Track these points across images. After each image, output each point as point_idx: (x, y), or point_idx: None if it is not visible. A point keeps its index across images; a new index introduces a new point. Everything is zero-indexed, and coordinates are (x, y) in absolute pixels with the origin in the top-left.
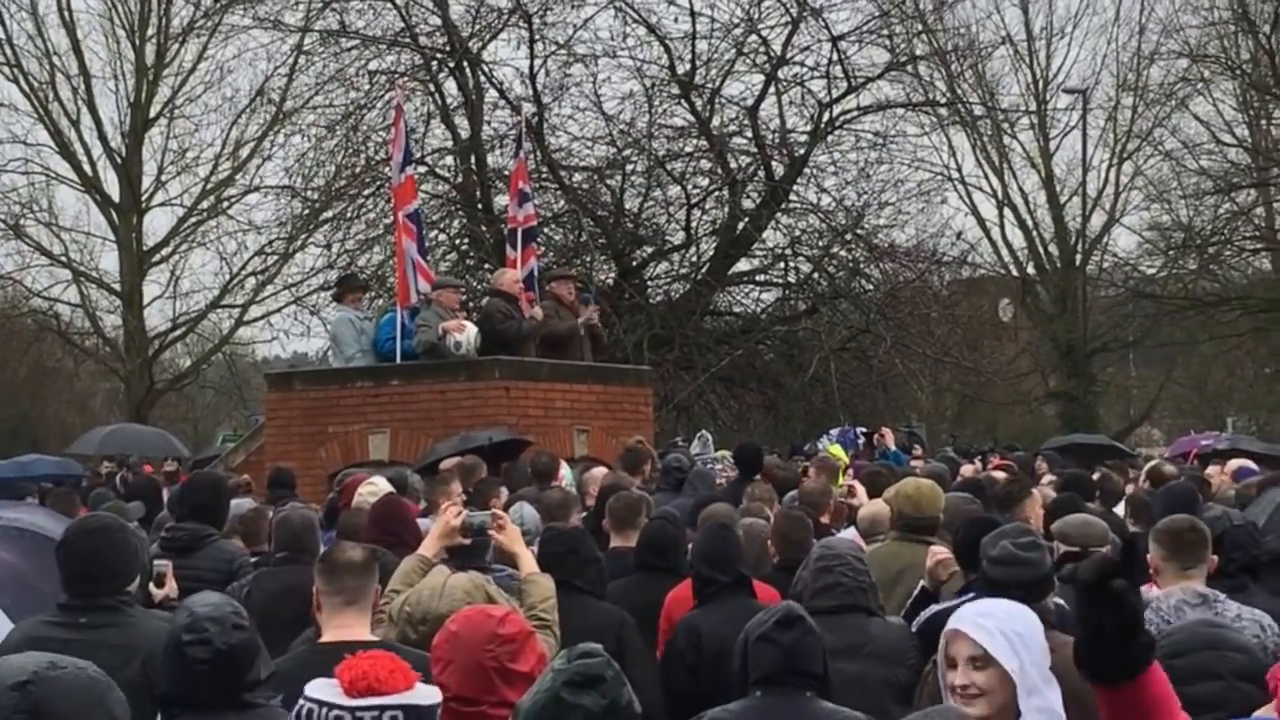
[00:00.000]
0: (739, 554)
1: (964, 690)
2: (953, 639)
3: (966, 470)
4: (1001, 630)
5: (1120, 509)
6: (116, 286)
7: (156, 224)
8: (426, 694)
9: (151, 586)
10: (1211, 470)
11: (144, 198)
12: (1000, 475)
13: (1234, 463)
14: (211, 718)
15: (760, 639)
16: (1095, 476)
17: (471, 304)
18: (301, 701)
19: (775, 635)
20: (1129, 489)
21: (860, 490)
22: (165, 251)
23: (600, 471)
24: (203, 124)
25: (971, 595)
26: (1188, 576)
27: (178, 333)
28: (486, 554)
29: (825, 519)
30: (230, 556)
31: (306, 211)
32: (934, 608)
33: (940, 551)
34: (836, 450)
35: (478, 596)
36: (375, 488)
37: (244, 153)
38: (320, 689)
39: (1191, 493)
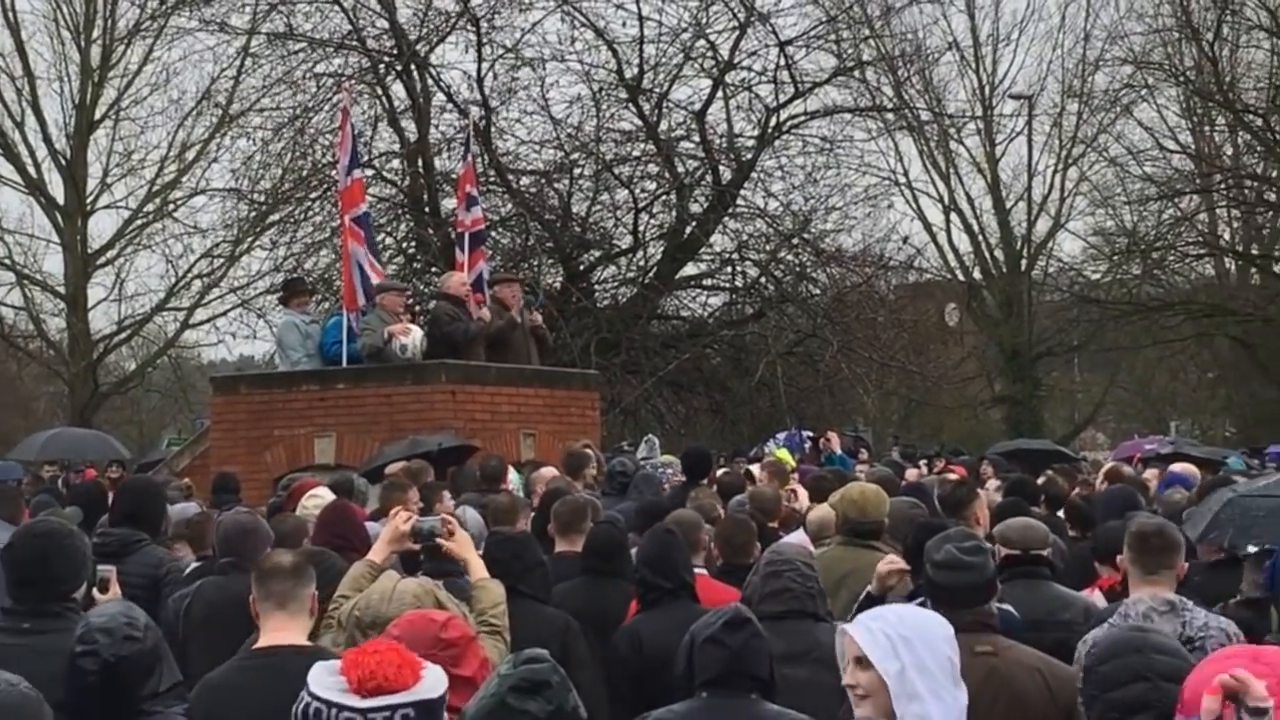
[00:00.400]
0: (683, 560)
1: (852, 690)
2: (844, 639)
3: (911, 474)
4: (885, 633)
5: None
6: (61, 289)
7: (101, 226)
8: (433, 683)
9: (95, 592)
10: (1149, 474)
11: (89, 200)
12: (951, 478)
13: (1178, 466)
14: None
15: (707, 641)
16: (1040, 481)
17: (419, 308)
18: (306, 699)
19: (722, 637)
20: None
21: (803, 493)
22: (110, 254)
23: (549, 471)
24: (148, 126)
25: (920, 600)
26: (1153, 582)
27: (123, 336)
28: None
29: (774, 524)
30: (158, 562)
31: (253, 214)
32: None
33: (897, 561)
34: (783, 454)
35: (427, 601)
36: (319, 499)
37: (190, 155)
38: (326, 687)
39: (1131, 496)
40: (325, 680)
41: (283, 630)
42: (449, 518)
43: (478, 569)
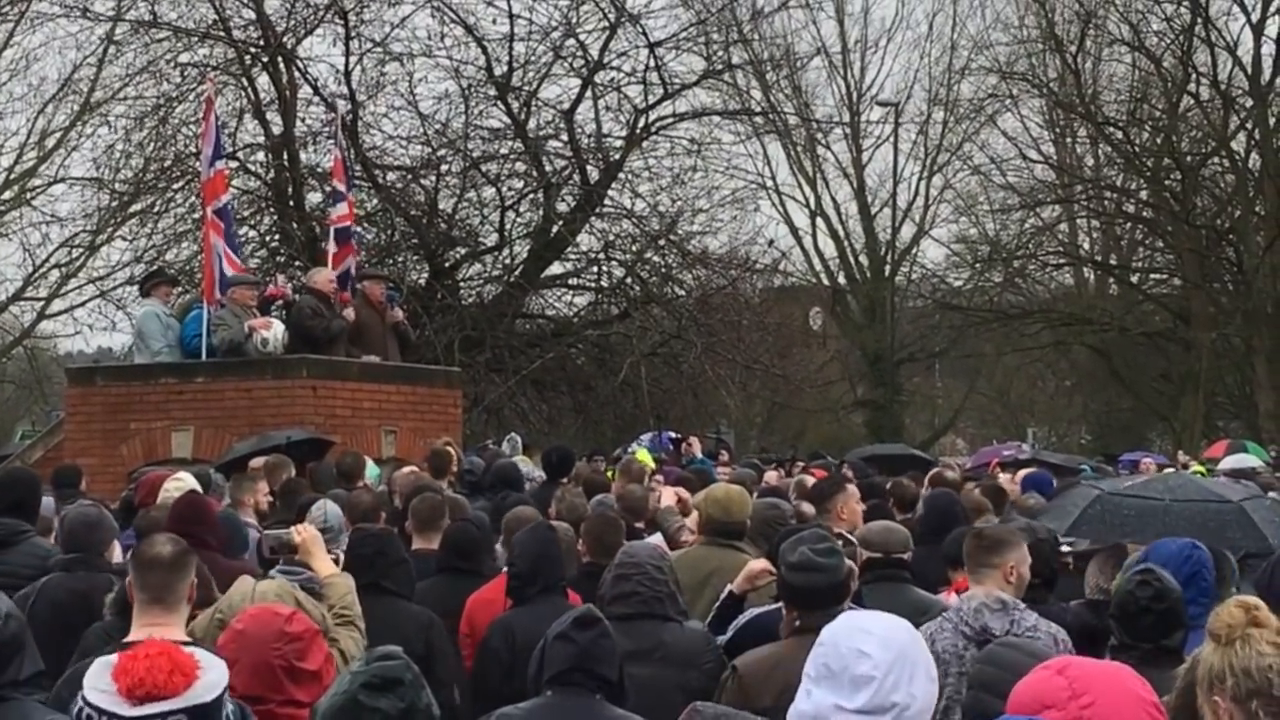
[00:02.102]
0: (559, 556)
1: None
2: None
3: (771, 477)
4: None
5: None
6: None
7: None
8: (208, 687)
9: None
10: (1005, 478)
11: None
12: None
13: (1022, 472)
14: None
15: (557, 638)
16: (888, 485)
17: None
18: (80, 704)
19: (572, 634)
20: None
21: (667, 493)
22: None
23: (408, 470)
24: (7, 112)
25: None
26: (981, 580)
27: None
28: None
29: (641, 524)
30: (45, 554)
31: (114, 204)
32: (752, 612)
33: (764, 563)
34: (644, 455)
35: (288, 600)
36: (181, 483)
37: (50, 143)
38: (99, 694)
39: (949, 500)
40: (100, 682)
41: (159, 625)
42: (299, 527)
43: (325, 567)
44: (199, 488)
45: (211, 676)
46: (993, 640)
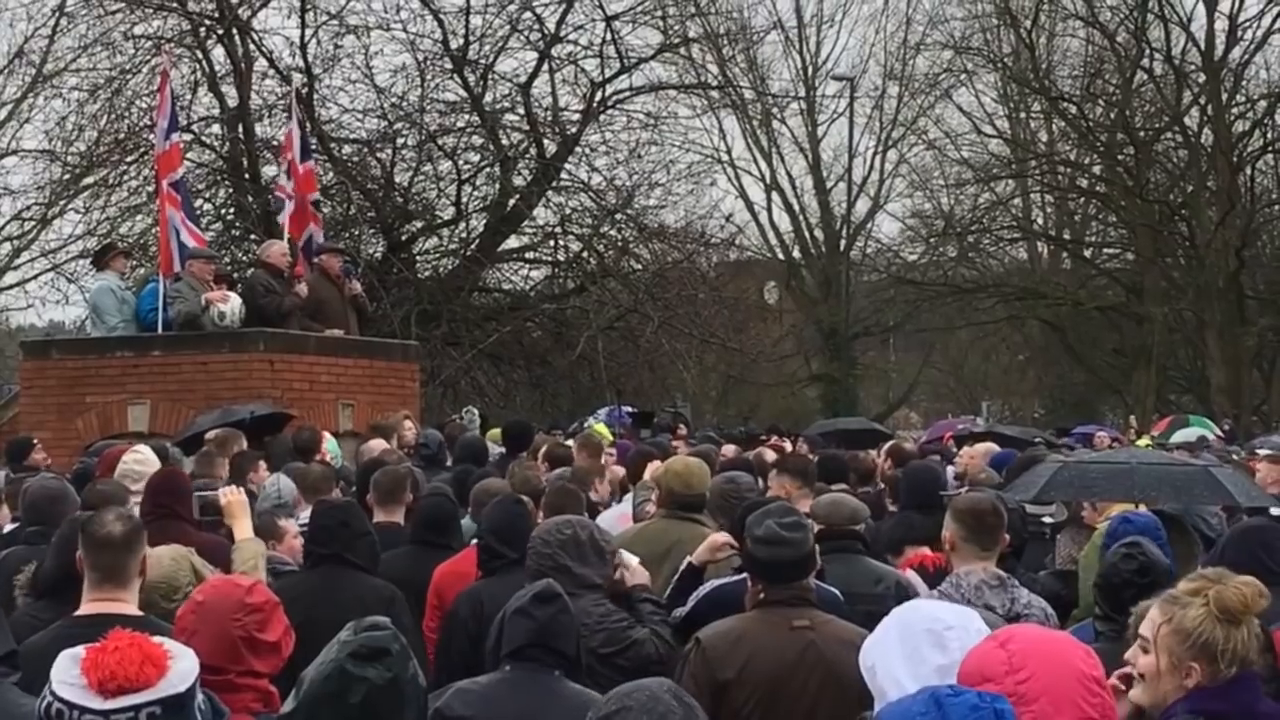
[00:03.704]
0: (526, 529)
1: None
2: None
3: (729, 450)
4: None
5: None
6: None
7: None
8: (181, 676)
9: None
10: (962, 452)
11: None
12: (770, 455)
13: (981, 446)
14: None
15: (516, 612)
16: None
17: (238, 275)
18: (49, 699)
19: (531, 609)
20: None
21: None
22: None
23: (378, 444)
24: None
25: (742, 577)
26: (985, 557)
27: None
28: None
29: (595, 495)
30: None
31: (66, 177)
32: (713, 583)
33: (725, 536)
34: (601, 429)
35: (183, 565)
36: (141, 455)
37: (1, 115)
38: (69, 688)
39: (933, 471)
40: (68, 675)
41: (110, 600)
42: (225, 490)
43: (242, 530)
44: (157, 461)
45: (183, 666)
46: (996, 617)
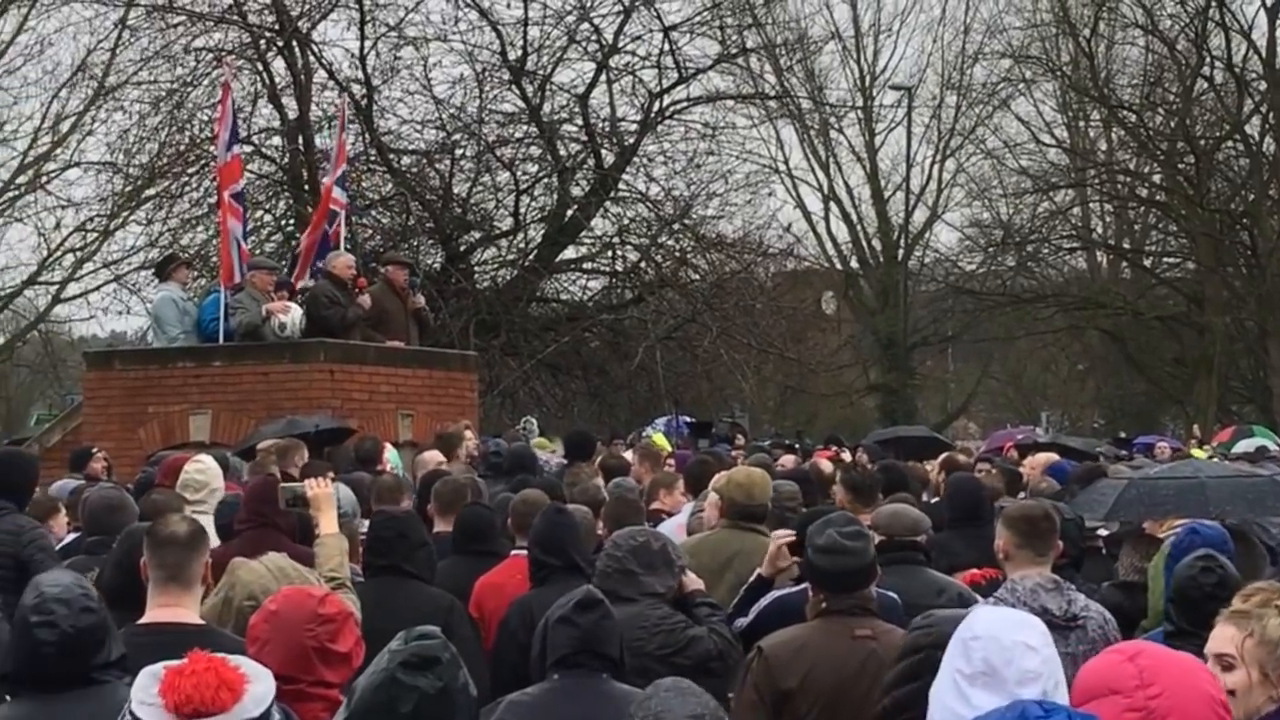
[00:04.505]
0: (574, 538)
1: None
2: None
3: (787, 461)
4: None
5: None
6: None
7: None
8: (256, 700)
9: None
10: (1030, 461)
11: None
12: (826, 465)
13: (1041, 456)
14: (53, 697)
15: (559, 621)
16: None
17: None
18: (128, 717)
19: (574, 617)
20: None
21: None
22: None
23: (432, 455)
24: (21, 97)
25: (806, 586)
26: (1039, 563)
27: None
28: None
29: (663, 504)
30: (18, 530)
31: (128, 189)
32: (775, 594)
33: (781, 536)
34: (660, 439)
35: (289, 575)
36: (202, 465)
37: (64, 127)
38: (146, 708)
39: (976, 484)
40: (147, 695)
41: (175, 605)
42: (311, 481)
43: (327, 524)
44: (220, 471)
45: (259, 690)
46: (1053, 620)
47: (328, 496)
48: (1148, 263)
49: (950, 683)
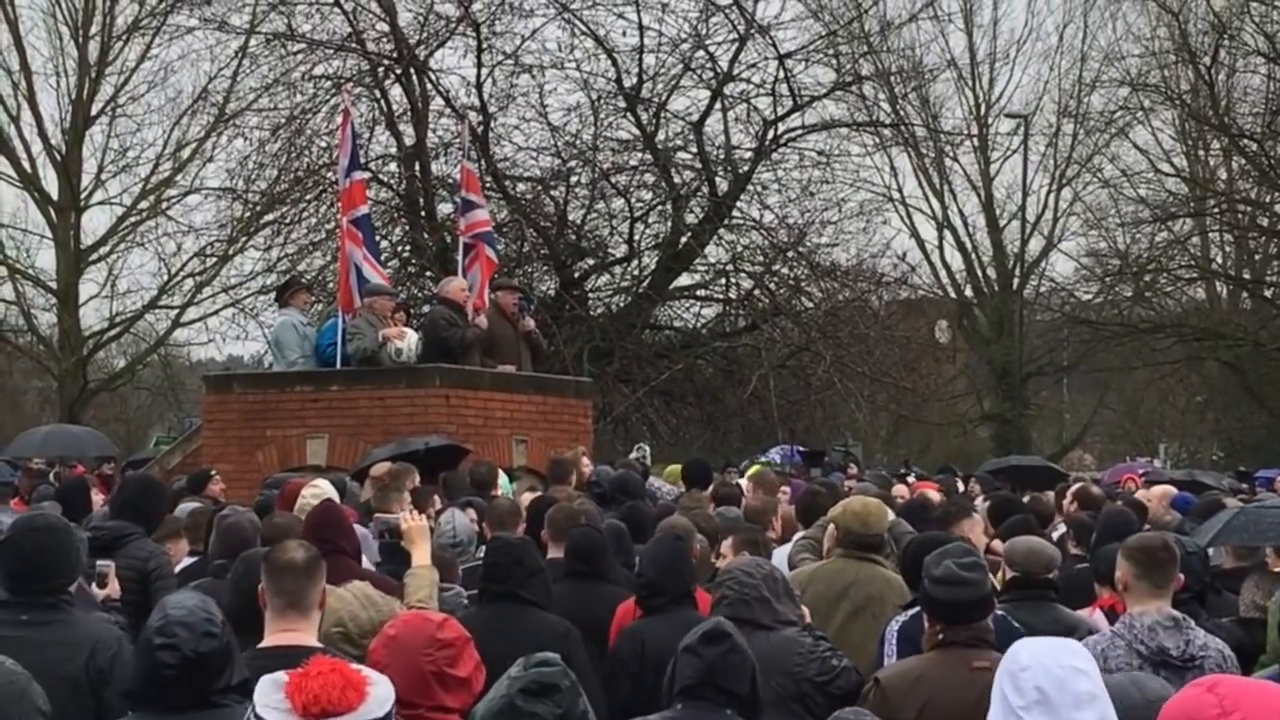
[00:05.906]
0: (687, 567)
1: None
2: None
3: (900, 491)
4: None
5: (1055, 532)
6: (53, 285)
7: (95, 223)
8: (379, 702)
9: (94, 586)
10: (1154, 493)
11: (83, 196)
12: (935, 495)
13: (1159, 488)
14: (172, 718)
15: (685, 650)
16: (1025, 500)
17: (414, 310)
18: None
19: (699, 648)
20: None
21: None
22: (103, 250)
23: (528, 496)
24: (144, 124)
25: (915, 611)
26: (1159, 595)
27: (113, 333)
28: None
29: (771, 534)
30: (146, 555)
31: (247, 214)
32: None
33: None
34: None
35: (370, 600)
36: (319, 489)
37: (185, 153)
38: (273, 711)
39: (1129, 516)
40: (271, 699)
41: (294, 630)
42: (406, 515)
43: (421, 556)
44: (336, 495)
45: (381, 691)
46: (1170, 660)
47: (421, 530)
48: (1269, 293)
49: (1004, 717)
